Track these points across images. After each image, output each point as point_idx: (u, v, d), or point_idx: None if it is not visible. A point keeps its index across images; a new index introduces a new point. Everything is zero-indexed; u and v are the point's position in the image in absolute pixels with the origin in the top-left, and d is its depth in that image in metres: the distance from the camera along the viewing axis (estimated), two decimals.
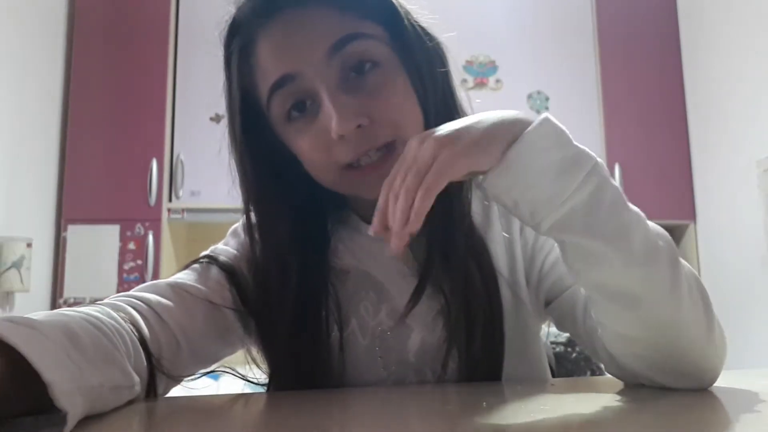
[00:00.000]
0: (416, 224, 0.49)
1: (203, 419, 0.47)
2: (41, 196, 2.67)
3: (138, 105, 2.80)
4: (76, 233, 2.69)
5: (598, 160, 0.52)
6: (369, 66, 0.62)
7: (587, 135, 2.96)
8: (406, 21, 0.67)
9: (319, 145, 0.62)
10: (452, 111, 0.68)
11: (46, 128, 2.71)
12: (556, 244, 0.57)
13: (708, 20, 2.90)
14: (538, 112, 2.96)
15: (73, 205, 2.72)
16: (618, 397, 0.55)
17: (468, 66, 3.00)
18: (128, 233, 2.71)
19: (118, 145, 2.78)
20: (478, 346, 0.65)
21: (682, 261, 0.55)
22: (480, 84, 2.99)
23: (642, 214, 0.53)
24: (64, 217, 2.71)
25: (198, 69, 2.78)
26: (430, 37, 0.69)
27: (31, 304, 2.53)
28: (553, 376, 1.00)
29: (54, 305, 2.67)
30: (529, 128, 0.51)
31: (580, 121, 2.97)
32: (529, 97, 2.98)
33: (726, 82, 2.78)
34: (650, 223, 0.54)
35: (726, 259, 2.74)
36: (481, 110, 0.56)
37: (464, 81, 2.98)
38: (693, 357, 0.54)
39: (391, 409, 0.50)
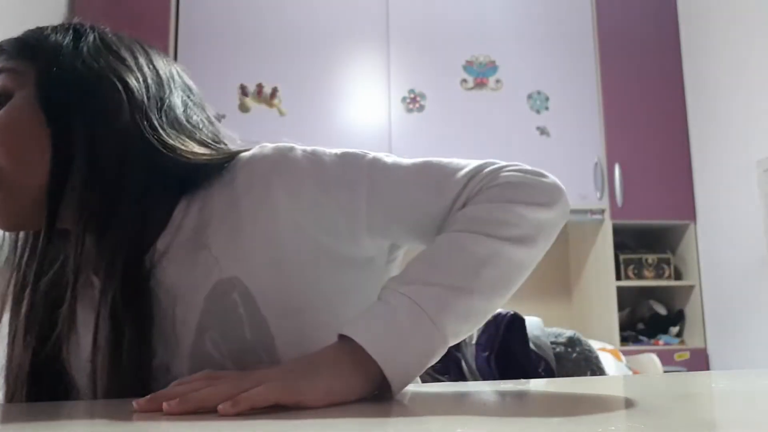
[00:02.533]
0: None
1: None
2: None
3: None
4: None
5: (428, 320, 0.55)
6: (3, 97, 0.65)
7: (587, 135, 2.97)
8: (63, 65, 0.65)
9: None
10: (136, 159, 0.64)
11: None
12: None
13: (708, 21, 2.90)
14: (538, 112, 2.96)
15: None
16: (617, 398, 0.55)
17: (468, 66, 3.00)
18: None
19: None
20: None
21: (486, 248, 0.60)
22: (480, 84, 2.98)
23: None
24: None
25: (198, 69, 2.77)
26: (107, 84, 0.65)
27: None
28: (554, 376, 1.00)
29: None
30: (390, 381, 0.53)
31: (580, 121, 2.98)
32: (529, 97, 2.98)
33: (726, 83, 2.78)
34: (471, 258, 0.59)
35: (726, 259, 2.74)
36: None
37: (464, 81, 2.98)
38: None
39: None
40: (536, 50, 3.03)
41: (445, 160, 0.67)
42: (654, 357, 2.39)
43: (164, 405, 0.47)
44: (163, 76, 0.71)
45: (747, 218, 2.60)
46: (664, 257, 2.96)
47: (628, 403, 0.50)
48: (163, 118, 0.67)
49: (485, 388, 0.62)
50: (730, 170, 2.73)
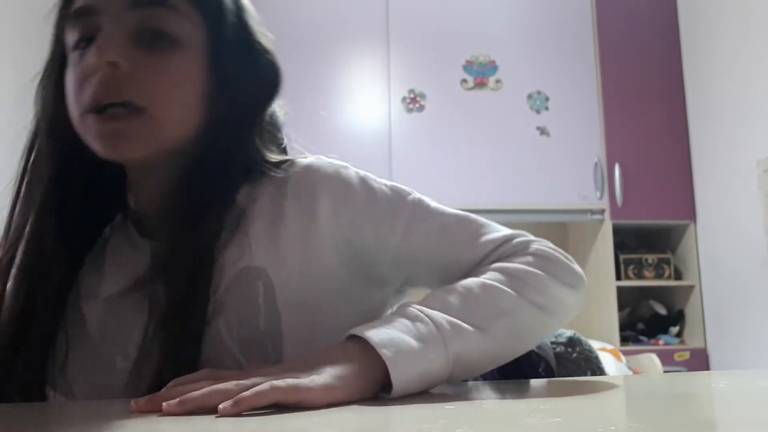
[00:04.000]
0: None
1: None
2: None
3: None
4: None
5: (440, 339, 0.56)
6: (168, 38, 0.63)
7: (587, 135, 2.97)
8: (234, 20, 0.68)
9: (78, 78, 0.62)
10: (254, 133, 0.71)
11: None
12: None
13: (708, 20, 2.90)
14: (538, 112, 2.96)
15: None
16: (617, 398, 0.55)
17: (468, 66, 3.00)
18: None
19: None
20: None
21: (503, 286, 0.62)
22: (480, 84, 2.98)
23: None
24: None
25: None
26: (261, 53, 0.71)
27: None
28: (554, 376, 1.00)
29: None
30: (393, 383, 0.52)
31: (580, 121, 2.98)
32: (529, 97, 2.98)
33: (726, 82, 2.78)
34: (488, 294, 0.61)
35: (726, 259, 2.74)
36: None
37: (464, 81, 2.98)
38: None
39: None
40: (536, 50, 3.03)
41: (483, 219, 0.71)
42: (654, 357, 2.39)
43: (163, 405, 0.47)
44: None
45: (747, 218, 2.60)
46: (664, 257, 2.96)
47: (628, 403, 0.50)
48: (267, 113, 0.74)
49: (485, 389, 0.62)
50: (730, 170, 2.73)
